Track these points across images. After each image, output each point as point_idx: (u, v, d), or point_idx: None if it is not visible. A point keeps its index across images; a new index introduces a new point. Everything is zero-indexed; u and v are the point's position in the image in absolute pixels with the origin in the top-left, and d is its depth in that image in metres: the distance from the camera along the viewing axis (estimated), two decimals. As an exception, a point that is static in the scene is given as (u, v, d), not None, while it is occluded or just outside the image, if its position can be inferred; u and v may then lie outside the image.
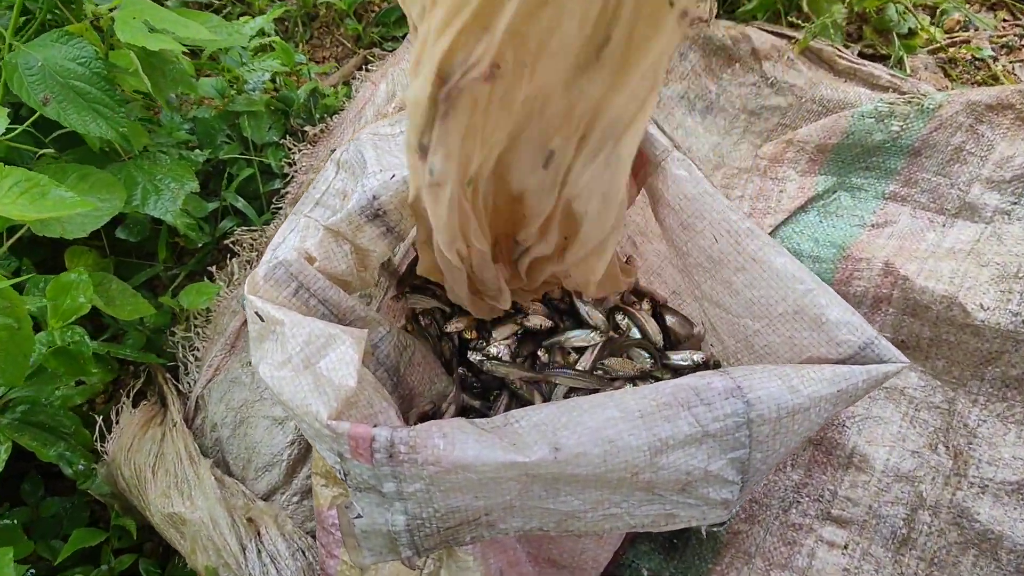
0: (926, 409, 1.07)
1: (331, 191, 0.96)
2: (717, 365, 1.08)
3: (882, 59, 1.44)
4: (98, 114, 1.05)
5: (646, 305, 1.16)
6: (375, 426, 0.67)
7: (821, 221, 1.22)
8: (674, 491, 0.71)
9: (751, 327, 0.86)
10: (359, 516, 0.71)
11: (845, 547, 1.04)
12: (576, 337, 1.12)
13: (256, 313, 0.78)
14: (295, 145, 1.43)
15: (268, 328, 0.78)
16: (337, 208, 0.94)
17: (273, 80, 1.56)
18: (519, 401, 1.10)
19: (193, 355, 1.26)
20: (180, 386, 1.24)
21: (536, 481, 0.68)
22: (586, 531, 0.74)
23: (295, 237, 0.88)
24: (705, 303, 0.91)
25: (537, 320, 1.13)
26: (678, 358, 1.10)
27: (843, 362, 0.77)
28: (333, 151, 0.99)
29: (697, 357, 1.10)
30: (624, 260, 1.20)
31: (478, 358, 1.09)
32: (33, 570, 1.13)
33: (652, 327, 1.13)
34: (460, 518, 0.70)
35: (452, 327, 1.11)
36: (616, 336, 1.12)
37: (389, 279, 1.15)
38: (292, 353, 0.73)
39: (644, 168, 0.89)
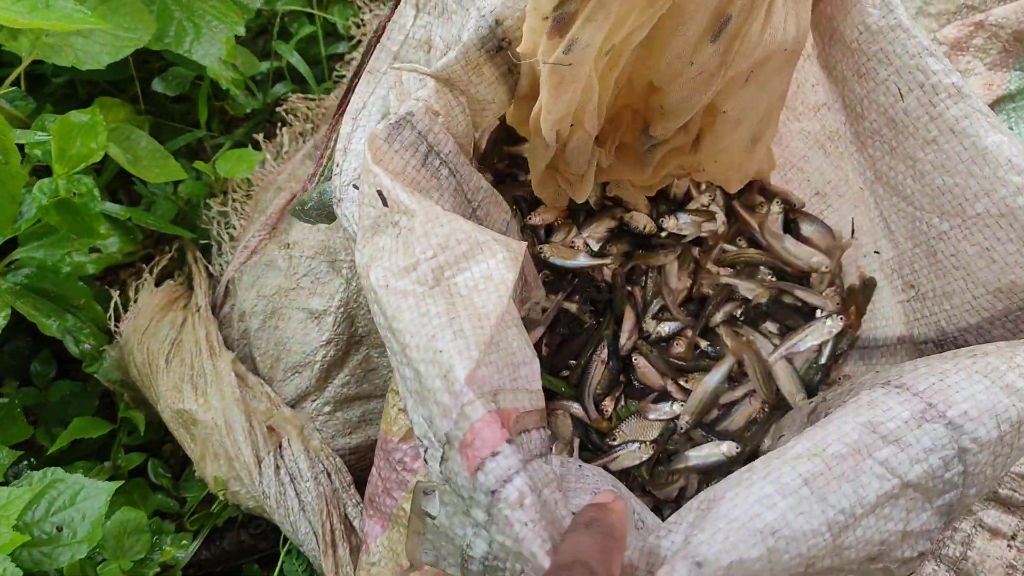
0: None
1: (411, 41, 0.73)
2: (870, 286, 0.83)
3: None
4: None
5: (775, 209, 0.92)
6: (510, 436, 0.46)
7: (1011, 127, 0.96)
8: (859, 570, 0.50)
9: (938, 227, 0.66)
10: (433, 516, 0.52)
11: (1013, 537, 0.81)
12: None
13: (379, 193, 0.56)
14: (366, 3, 1.21)
15: (390, 218, 0.55)
16: (421, 64, 0.71)
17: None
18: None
19: (228, 233, 1.07)
20: (211, 267, 1.07)
21: None
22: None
23: (381, 99, 0.67)
24: (879, 188, 0.70)
25: (642, 220, 0.90)
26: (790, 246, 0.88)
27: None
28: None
29: (816, 260, 0.87)
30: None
31: (549, 255, 0.88)
32: (32, 459, 0.98)
33: (778, 246, 0.89)
34: None
35: (537, 218, 0.90)
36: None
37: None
38: (421, 258, 0.52)
39: None
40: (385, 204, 0.55)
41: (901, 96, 0.63)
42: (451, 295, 0.50)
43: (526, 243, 0.59)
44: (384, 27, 0.74)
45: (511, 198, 0.92)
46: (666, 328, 0.90)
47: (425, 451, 0.51)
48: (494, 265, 0.52)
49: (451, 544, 0.51)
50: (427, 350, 0.48)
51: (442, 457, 0.48)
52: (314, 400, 0.92)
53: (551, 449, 0.53)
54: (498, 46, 0.63)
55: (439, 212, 0.54)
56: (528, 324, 0.89)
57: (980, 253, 0.61)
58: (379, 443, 0.75)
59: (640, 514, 0.63)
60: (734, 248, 0.93)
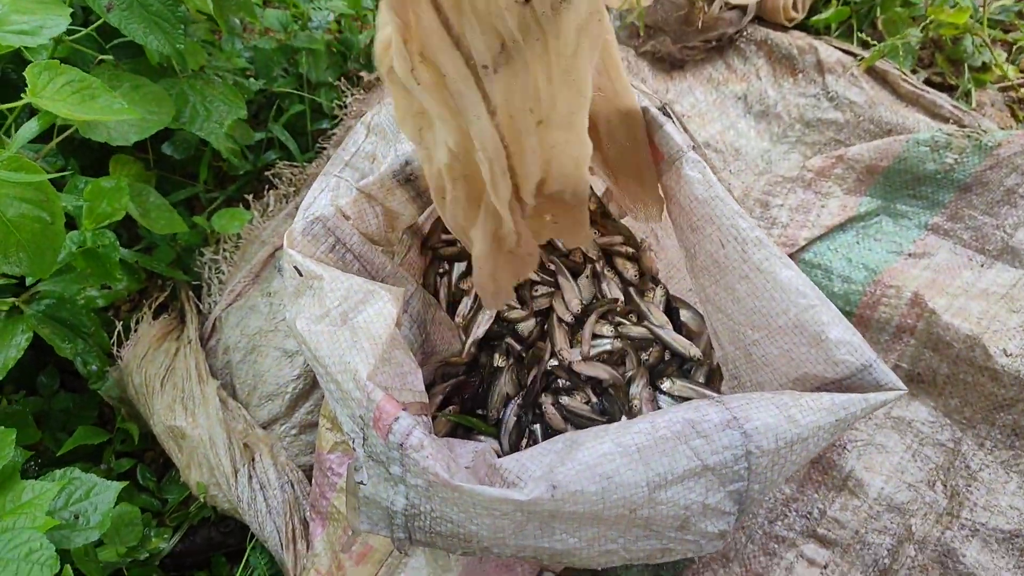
0: (931, 445, 1.05)
1: (360, 153, 0.97)
2: (714, 373, 1.07)
3: (949, 89, 1.40)
4: (159, 28, 1.07)
5: (660, 292, 1.16)
6: (404, 408, 0.68)
7: (858, 242, 1.20)
8: (672, 527, 0.71)
9: (751, 336, 0.85)
10: (363, 483, 0.72)
11: (825, 567, 1.03)
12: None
13: (295, 268, 0.80)
14: (349, 89, 1.44)
15: (306, 283, 0.79)
16: (366, 171, 0.95)
17: (338, 21, 1.57)
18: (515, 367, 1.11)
19: (218, 277, 1.28)
20: (201, 305, 1.27)
21: (532, 518, 0.67)
22: (582, 566, 0.74)
23: (326, 196, 0.90)
24: (709, 306, 0.91)
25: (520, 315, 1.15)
26: (671, 339, 1.10)
27: (839, 382, 0.76)
28: (364, 114, 1.01)
29: (692, 351, 1.10)
30: (639, 243, 1.20)
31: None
32: (40, 459, 1.17)
33: (657, 316, 1.13)
34: (452, 530, 0.70)
35: (465, 284, 1.13)
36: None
37: (412, 238, 1.16)
38: (330, 307, 0.75)
39: (659, 165, 0.88)
40: (300, 274, 0.78)
41: (722, 245, 0.85)
42: (354, 328, 0.73)
43: (403, 289, 0.82)
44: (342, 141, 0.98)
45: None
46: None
47: (353, 441, 0.73)
48: (381, 306, 0.76)
49: (379, 508, 0.72)
50: (340, 364, 0.71)
51: (363, 438, 0.71)
52: (283, 424, 1.12)
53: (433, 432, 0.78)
54: (407, 178, 0.88)
55: (339, 274, 0.78)
56: (448, 370, 1.12)
57: (782, 354, 0.83)
58: (315, 459, 0.96)
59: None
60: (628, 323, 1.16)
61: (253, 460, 1.07)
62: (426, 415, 0.78)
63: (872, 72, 1.32)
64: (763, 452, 0.70)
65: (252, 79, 1.37)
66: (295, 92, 1.42)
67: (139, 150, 1.37)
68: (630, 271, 1.18)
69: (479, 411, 1.13)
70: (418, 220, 1.11)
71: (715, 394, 1.04)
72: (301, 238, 0.83)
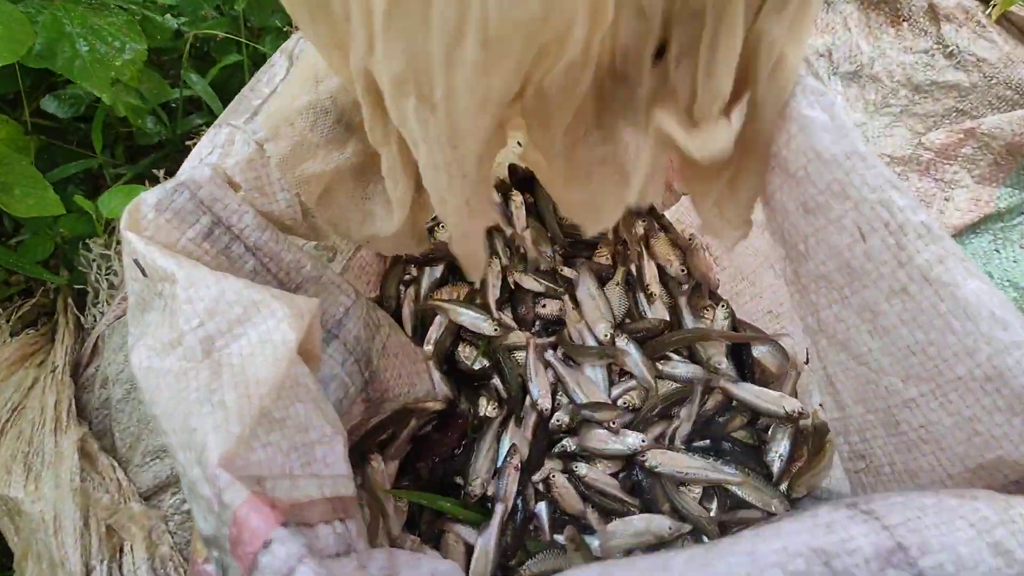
0: None
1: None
2: (822, 431, 0.72)
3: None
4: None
5: (722, 314, 0.81)
6: (284, 523, 0.36)
7: (998, 250, 0.87)
8: None
9: (901, 392, 0.53)
10: None
11: None
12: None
13: (135, 262, 0.47)
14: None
15: (153, 289, 0.47)
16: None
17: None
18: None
19: (108, 280, 0.93)
20: (83, 318, 0.92)
21: None
22: None
23: (212, 157, 0.57)
24: (822, 340, 0.58)
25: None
26: (754, 395, 0.75)
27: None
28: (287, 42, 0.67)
29: (789, 406, 0.75)
30: (687, 240, 0.85)
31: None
32: None
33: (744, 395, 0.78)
34: None
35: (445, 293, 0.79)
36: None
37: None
38: (186, 329, 0.43)
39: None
40: (144, 274, 0.44)
41: (863, 236, 0.52)
42: (220, 366, 0.42)
43: (316, 300, 0.48)
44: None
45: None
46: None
47: (214, 564, 0.40)
48: (273, 326, 0.44)
49: None
50: (182, 432, 0.39)
51: (223, 566, 0.38)
52: (174, 494, 0.78)
53: (362, 543, 0.43)
54: (337, 119, 0.54)
55: (205, 273, 0.45)
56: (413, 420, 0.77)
57: (959, 424, 0.50)
58: (190, 568, 0.61)
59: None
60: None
61: (119, 552, 0.72)
62: (343, 519, 0.43)
63: (1007, 20, 0.97)
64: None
65: (169, 16, 1.02)
66: (230, 37, 1.07)
67: (15, 108, 1.03)
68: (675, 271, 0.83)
69: (456, 479, 0.78)
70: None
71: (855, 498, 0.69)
72: (153, 216, 0.49)
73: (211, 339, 0.43)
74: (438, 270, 0.86)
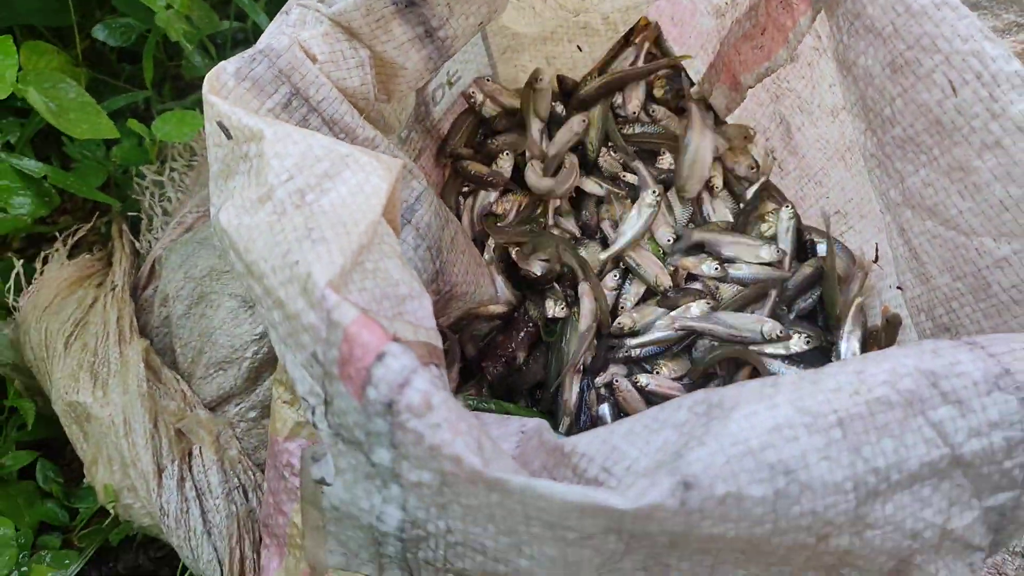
0: None
1: None
2: (895, 325, 0.71)
3: None
4: None
5: (787, 215, 0.81)
6: (395, 338, 0.35)
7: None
8: (878, 571, 0.39)
9: (993, 252, 0.53)
10: (328, 483, 0.40)
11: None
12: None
13: (219, 126, 0.46)
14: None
15: (238, 152, 0.46)
16: None
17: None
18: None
19: (163, 207, 0.94)
20: (138, 244, 0.93)
21: (638, 545, 0.36)
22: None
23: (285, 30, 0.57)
24: (906, 212, 0.57)
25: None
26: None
27: None
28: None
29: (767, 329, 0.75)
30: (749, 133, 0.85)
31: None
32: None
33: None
34: (485, 567, 0.39)
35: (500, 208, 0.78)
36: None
37: (423, 136, 0.81)
38: (275, 184, 0.42)
39: None
40: (229, 136, 0.44)
41: (954, 90, 0.52)
42: (313, 213, 0.41)
43: (400, 161, 0.47)
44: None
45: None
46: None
47: (311, 410, 0.39)
48: (364, 179, 0.42)
49: (358, 527, 0.40)
50: (283, 269, 0.39)
51: (325, 400, 0.38)
52: (238, 404, 0.78)
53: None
54: (410, 1, 0.53)
55: (291, 130, 0.44)
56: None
57: None
58: (268, 452, 0.61)
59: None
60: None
61: (188, 455, 0.73)
62: (438, 364, 0.43)
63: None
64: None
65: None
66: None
67: (63, 41, 1.03)
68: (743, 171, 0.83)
69: (523, 382, 0.79)
70: (429, 90, 0.77)
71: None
72: (234, 84, 0.49)
73: (301, 193, 0.42)
74: (493, 195, 0.85)
